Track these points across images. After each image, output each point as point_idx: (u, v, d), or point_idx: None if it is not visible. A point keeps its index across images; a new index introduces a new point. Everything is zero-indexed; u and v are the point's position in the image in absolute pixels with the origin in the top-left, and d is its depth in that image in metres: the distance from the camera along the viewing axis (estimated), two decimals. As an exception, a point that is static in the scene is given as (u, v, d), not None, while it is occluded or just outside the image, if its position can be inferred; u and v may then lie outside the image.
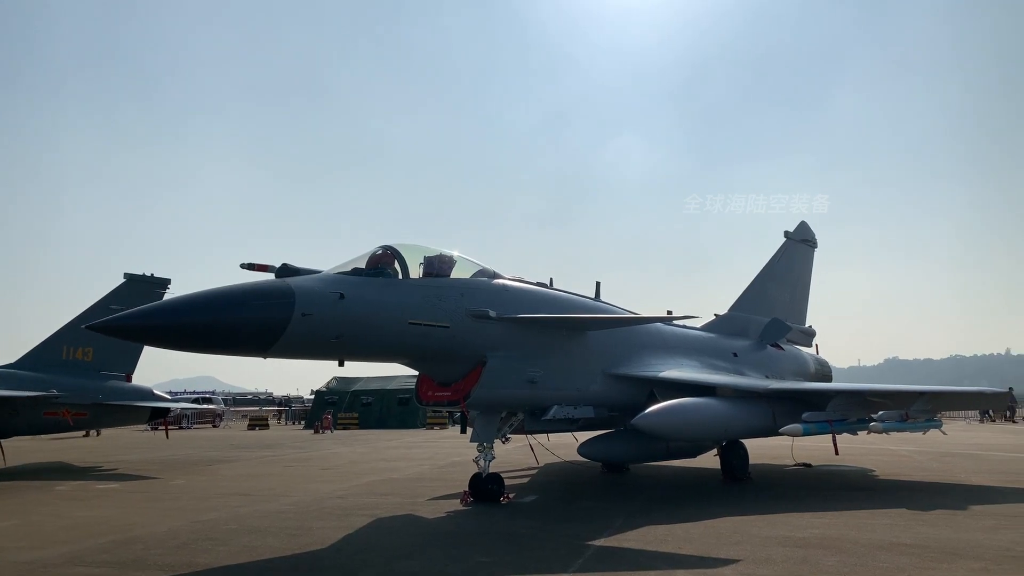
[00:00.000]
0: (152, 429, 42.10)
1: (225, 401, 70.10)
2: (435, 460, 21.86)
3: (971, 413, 51.53)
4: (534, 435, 15.29)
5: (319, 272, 11.06)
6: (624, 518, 11.05)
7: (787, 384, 14.79)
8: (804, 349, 22.17)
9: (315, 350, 10.77)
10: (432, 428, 44.69)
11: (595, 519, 11.04)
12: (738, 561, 8.13)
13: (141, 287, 22.49)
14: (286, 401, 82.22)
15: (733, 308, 20.46)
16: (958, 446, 23.46)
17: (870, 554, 8.38)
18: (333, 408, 48.39)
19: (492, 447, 12.96)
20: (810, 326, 22.92)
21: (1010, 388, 24.57)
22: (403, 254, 11.71)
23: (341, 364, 11.57)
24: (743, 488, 14.75)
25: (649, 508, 12.22)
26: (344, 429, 45.01)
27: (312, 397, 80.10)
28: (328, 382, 53.39)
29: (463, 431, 13.98)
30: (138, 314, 9.16)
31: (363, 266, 11.34)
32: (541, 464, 18.42)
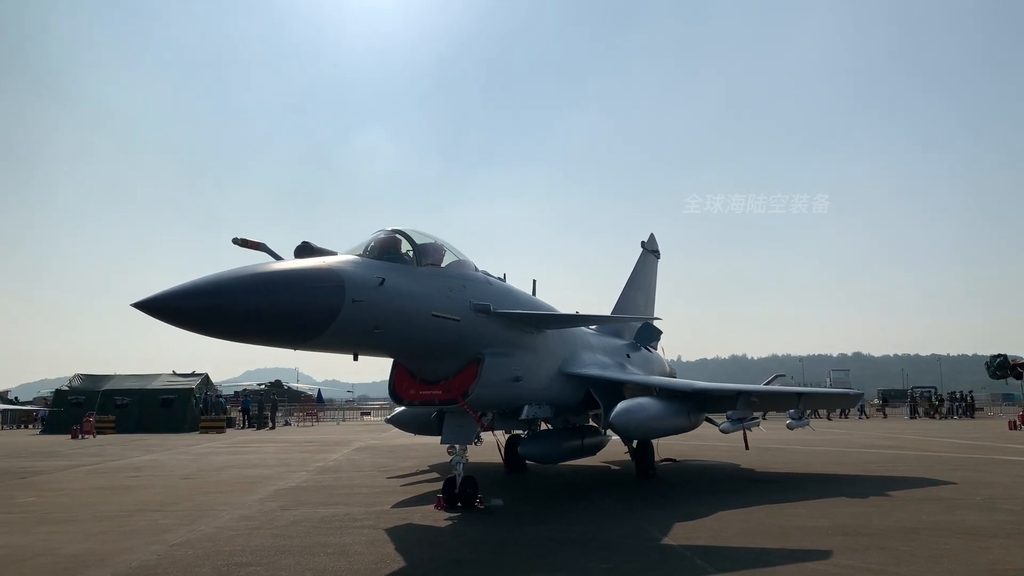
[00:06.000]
0: None
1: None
2: (293, 465, 19.95)
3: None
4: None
5: (334, 253, 9.74)
6: (636, 517, 11.08)
7: (708, 385, 15.79)
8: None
9: (354, 342, 9.42)
10: (207, 432, 40.55)
11: (613, 519, 10.99)
12: (831, 551, 8.50)
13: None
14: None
15: (613, 312, 21.36)
16: (753, 441, 26.19)
17: (920, 539, 9.15)
18: (77, 410, 42.00)
19: (466, 449, 12.28)
20: (658, 329, 24.58)
21: (863, 392, 28.38)
22: (413, 239, 10.72)
23: (356, 359, 10.26)
24: (665, 484, 15.46)
25: (632, 508, 12.33)
26: (101, 433, 39.24)
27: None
28: (71, 379, 46.20)
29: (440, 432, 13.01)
30: (187, 293, 7.33)
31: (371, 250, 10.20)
32: (424, 467, 17.76)
